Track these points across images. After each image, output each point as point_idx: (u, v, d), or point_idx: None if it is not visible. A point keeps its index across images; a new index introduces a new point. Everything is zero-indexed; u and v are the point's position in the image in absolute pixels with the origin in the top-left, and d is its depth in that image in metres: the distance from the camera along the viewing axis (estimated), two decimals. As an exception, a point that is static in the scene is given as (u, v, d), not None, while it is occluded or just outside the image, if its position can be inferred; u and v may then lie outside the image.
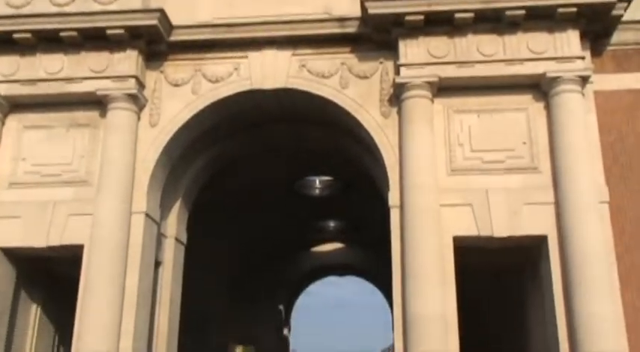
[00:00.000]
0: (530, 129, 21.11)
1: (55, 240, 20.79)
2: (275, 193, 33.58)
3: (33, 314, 22.51)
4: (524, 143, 21.03)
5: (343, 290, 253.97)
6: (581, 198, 19.86)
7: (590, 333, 18.47)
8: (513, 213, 20.53)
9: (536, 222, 20.42)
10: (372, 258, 40.83)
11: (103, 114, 21.84)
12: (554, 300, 19.66)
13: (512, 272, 24.71)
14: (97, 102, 21.85)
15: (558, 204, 20.20)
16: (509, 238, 20.59)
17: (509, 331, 26.55)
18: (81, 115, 22.17)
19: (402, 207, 20.76)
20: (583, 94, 20.85)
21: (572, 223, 19.68)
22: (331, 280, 53.16)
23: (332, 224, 41.81)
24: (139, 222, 21.02)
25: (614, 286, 19.42)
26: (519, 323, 24.27)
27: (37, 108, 22.23)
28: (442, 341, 19.04)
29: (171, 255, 23.61)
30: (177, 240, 24.11)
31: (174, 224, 24.13)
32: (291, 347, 63.31)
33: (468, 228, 20.62)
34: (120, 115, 21.49)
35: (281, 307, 47.92)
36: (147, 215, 21.32)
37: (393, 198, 21.18)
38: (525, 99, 21.49)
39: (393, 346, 21.18)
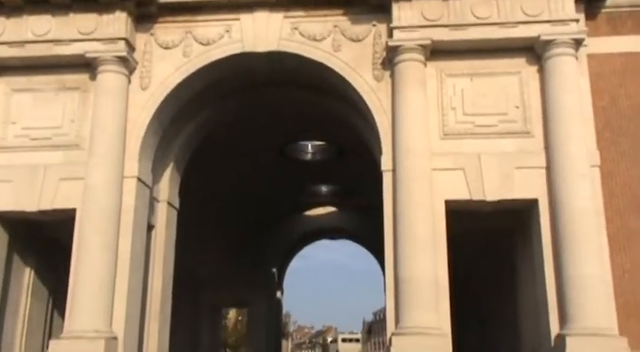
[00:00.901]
0: (523, 93, 21.06)
1: (47, 204, 20.78)
2: (267, 158, 33.57)
3: (26, 278, 22.59)
4: (517, 107, 21.01)
5: (336, 253, 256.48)
6: (573, 162, 19.96)
7: (579, 295, 18.75)
8: (505, 177, 20.64)
9: (528, 185, 20.55)
10: (365, 222, 41.07)
11: (93, 78, 21.62)
12: (544, 262, 19.92)
13: (503, 235, 24.93)
14: (86, 65, 21.59)
15: (550, 168, 20.30)
16: (501, 202, 20.75)
17: (500, 293, 26.94)
18: (70, 78, 21.93)
19: (394, 171, 20.81)
20: (576, 58, 20.78)
21: (563, 187, 19.82)
22: (324, 244, 53.76)
23: (325, 188, 41.96)
24: (131, 187, 21.00)
25: (603, 248, 19.67)
26: (510, 285, 24.59)
27: (26, 71, 21.95)
28: (433, 303, 19.28)
29: (164, 219, 23.68)
30: (169, 204, 24.13)
31: (167, 188, 24.12)
32: (285, 309, 64.13)
33: (460, 192, 20.73)
34: (110, 78, 21.27)
35: (274, 270, 48.31)
36: (139, 179, 21.30)
37: (385, 162, 21.21)
38: (519, 63, 21.39)
39: (384, 308, 21.44)
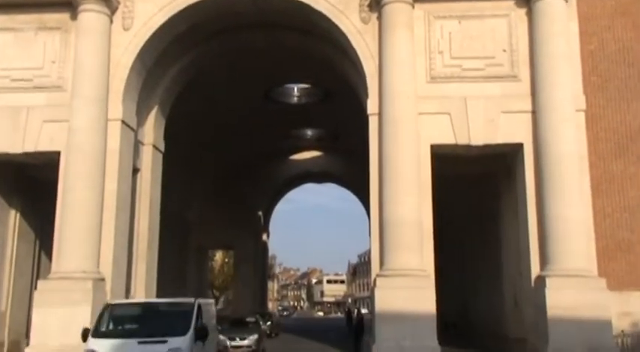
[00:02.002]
0: (511, 37, 20.88)
1: (31, 147, 20.63)
2: (253, 101, 33.28)
3: (12, 221, 22.59)
4: (504, 51, 20.87)
5: (322, 197, 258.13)
6: (559, 106, 19.99)
7: (560, 237, 19.11)
8: (490, 122, 20.68)
9: (513, 130, 20.62)
10: (350, 166, 41.19)
11: (74, 17, 21.12)
12: (527, 205, 20.21)
13: (487, 179, 25.16)
14: (67, 4, 21.05)
15: (536, 113, 20.35)
16: (486, 146, 20.85)
17: (483, 235, 27.37)
18: (50, 18, 21.43)
19: (380, 114, 20.77)
20: (566, 0, 20.57)
21: (548, 131, 19.91)
22: (310, 187, 54.03)
23: (310, 132, 41.83)
24: (115, 129, 20.85)
25: (585, 192, 19.94)
26: (493, 227, 24.98)
27: (4, 9, 21.39)
28: (417, 245, 19.60)
29: (149, 162, 23.64)
30: (154, 147, 24.04)
31: (151, 131, 23.98)
32: (270, 252, 64.95)
33: (446, 137, 20.80)
34: (91, 18, 20.79)
35: (260, 213, 48.64)
36: (123, 122, 21.12)
37: (371, 105, 21.14)
38: (507, 5, 21.11)
39: (370, 251, 21.74)
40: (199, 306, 14.86)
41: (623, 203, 20.82)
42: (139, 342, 13.43)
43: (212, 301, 20.29)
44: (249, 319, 28.50)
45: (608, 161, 20.98)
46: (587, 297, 18.33)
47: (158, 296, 24.06)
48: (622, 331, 19.50)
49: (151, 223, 23.35)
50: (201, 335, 14.25)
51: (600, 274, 19.38)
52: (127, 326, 14.82)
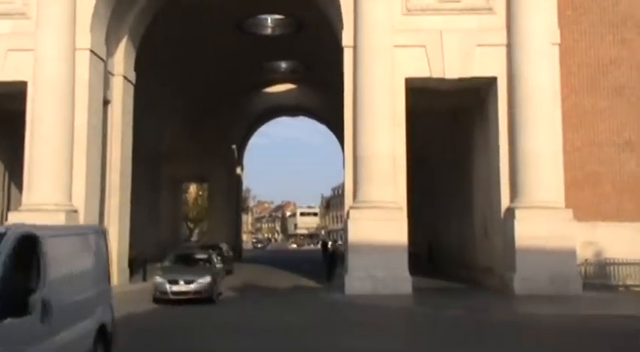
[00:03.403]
0: (489, -33, 20.57)
1: (-5, 77, 20.07)
2: (225, 32, 32.52)
3: (-20, 152, 22.24)
4: (481, -18, 20.61)
5: (296, 130, 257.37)
6: (533, 39, 19.96)
7: (530, 169, 19.46)
8: (465, 55, 20.60)
9: (488, 63, 20.59)
10: (325, 99, 40.92)
11: (38, -60, 20.18)
12: (499, 138, 20.42)
13: (461, 112, 25.26)
14: None
15: (510, 46, 20.31)
16: (461, 80, 20.84)
17: (456, 168, 27.70)
18: (12, -59, 20.45)
19: (355, 47, 20.52)
20: None
21: (522, 64, 19.93)
22: (284, 121, 53.77)
23: (284, 64, 41.22)
24: (84, 59, 20.32)
25: (556, 125, 20.19)
26: (465, 160, 25.28)
27: None
28: (390, 178, 19.79)
29: (120, 93, 23.18)
30: (125, 78, 23.53)
31: (122, 62, 23.41)
32: (244, 185, 65.15)
33: (421, 70, 20.69)
34: (54, -60, 19.87)
35: (234, 146, 48.42)
36: (92, 51, 20.56)
37: (346, 37, 20.85)
38: None
39: (343, 184, 21.92)
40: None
41: (592, 137, 21.17)
42: None
43: (89, 228, 12.28)
44: (200, 255, 21.44)
45: (580, 95, 21.18)
46: (554, 228, 18.86)
47: (132, 228, 24.16)
48: (586, 259, 20.24)
49: (123, 155, 23.13)
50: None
51: (568, 205, 19.87)
52: None
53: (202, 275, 18.16)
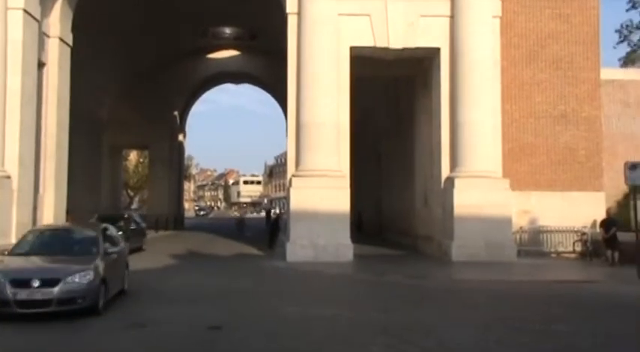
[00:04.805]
0: (434, -62, 20.59)
1: None
2: (167, -6, 31.67)
3: None
4: (427, -48, 20.64)
5: (240, 98, 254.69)
6: (476, 11, 20.23)
7: (470, 140, 19.89)
8: (410, 25, 20.69)
9: (432, 34, 20.76)
10: (269, 67, 40.48)
11: None
12: (441, 109, 20.74)
13: (404, 82, 25.50)
14: None
15: (454, 17, 20.53)
16: (405, 50, 20.96)
17: (398, 137, 28.05)
18: None
19: (299, 14, 20.29)
20: None
21: (465, 36, 20.20)
22: (227, 88, 53.05)
23: (228, 30, 40.48)
24: (16, 19, 19.40)
25: (496, 97, 20.64)
26: (407, 129, 25.60)
27: None
28: (334, 146, 19.86)
29: (56, 56, 22.30)
30: (61, 40, 22.63)
31: (57, 23, 22.47)
32: (187, 152, 64.23)
33: (365, 39, 20.69)
34: None
35: (176, 113, 47.53)
36: (25, 11, 19.65)
37: (290, 4, 20.58)
38: None
39: (286, 152, 21.88)
40: None
41: (529, 108, 21.74)
42: None
43: None
44: (83, 233, 13.00)
45: (519, 67, 21.65)
46: (492, 197, 19.41)
47: (69, 195, 23.55)
48: (520, 227, 20.97)
49: (59, 120, 22.38)
50: None
51: (505, 175, 20.46)
52: None
53: (79, 268, 10.62)
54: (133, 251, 19.92)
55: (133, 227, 24.20)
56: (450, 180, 20.01)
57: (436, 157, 21.18)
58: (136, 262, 16.46)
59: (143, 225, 26.99)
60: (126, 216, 25.44)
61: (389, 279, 15.62)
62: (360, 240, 22.23)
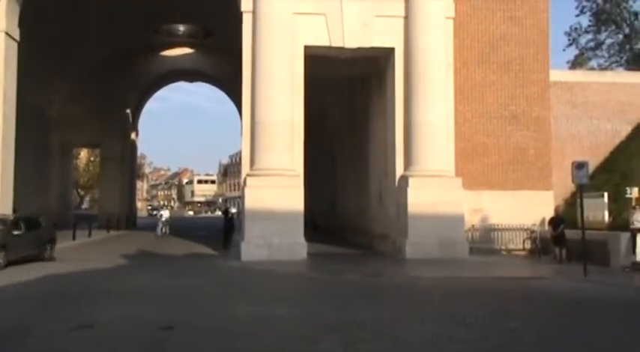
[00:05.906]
0: (388, -62, 20.75)
1: None
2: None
3: None
4: (381, -48, 20.78)
5: (193, 96, 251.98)
6: (429, 12, 20.51)
7: (424, 139, 20.18)
8: (365, 25, 20.82)
9: (386, 34, 20.94)
10: (223, 65, 40.15)
11: None
12: (395, 108, 20.94)
13: (359, 82, 25.63)
14: None
15: (408, 18, 20.74)
16: (359, 49, 21.08)
17: (353, 135, 28.18)
18: None
19: (254, 12, 20.22)
20: None
21: (419, 37, 20.45)
22: (181, 86, 52.32)
23: (182, 28, 39.93)
24: (-40, 12, 18.80)
25: (449, 98, 20.94)
26: (362, 128, 25.75)
27: None
28: (288, 145, 19.84)
29: (2, 51, 21.64)
30: (7, 34, 21.96)
31: (3, 17, 21.80)
32: (140, 151, 63.27)
33: (320, 38, 20.73)
34: None
35: (128, 111, 46.71)
36: (-30, 4, 19.07)
37: (245, 2, 20.47)
38: None
39: (241, 151, 21.74)
40: None
41: (481, 109, 22.14)
42: None
43: None
44: None
45: (471, 68, 22.03)
46: (445, 196, 19.69)
47: (17, 195, 22.88)
48: (472, 225, 21.34)
49: (5, 116, 21.71)
50: None
51: (457, 174, 20.77)
52: None
53: None
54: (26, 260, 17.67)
55: (15, 232, 17.74)
56: (405, 179, 20.21)
57: (390, 156, 21.37)
58: (86, 263, 16.01)
59: (52, 227, 21.11)
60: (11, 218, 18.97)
61: (343, 277, 15.66)
62: (316, 239, 22.24)
